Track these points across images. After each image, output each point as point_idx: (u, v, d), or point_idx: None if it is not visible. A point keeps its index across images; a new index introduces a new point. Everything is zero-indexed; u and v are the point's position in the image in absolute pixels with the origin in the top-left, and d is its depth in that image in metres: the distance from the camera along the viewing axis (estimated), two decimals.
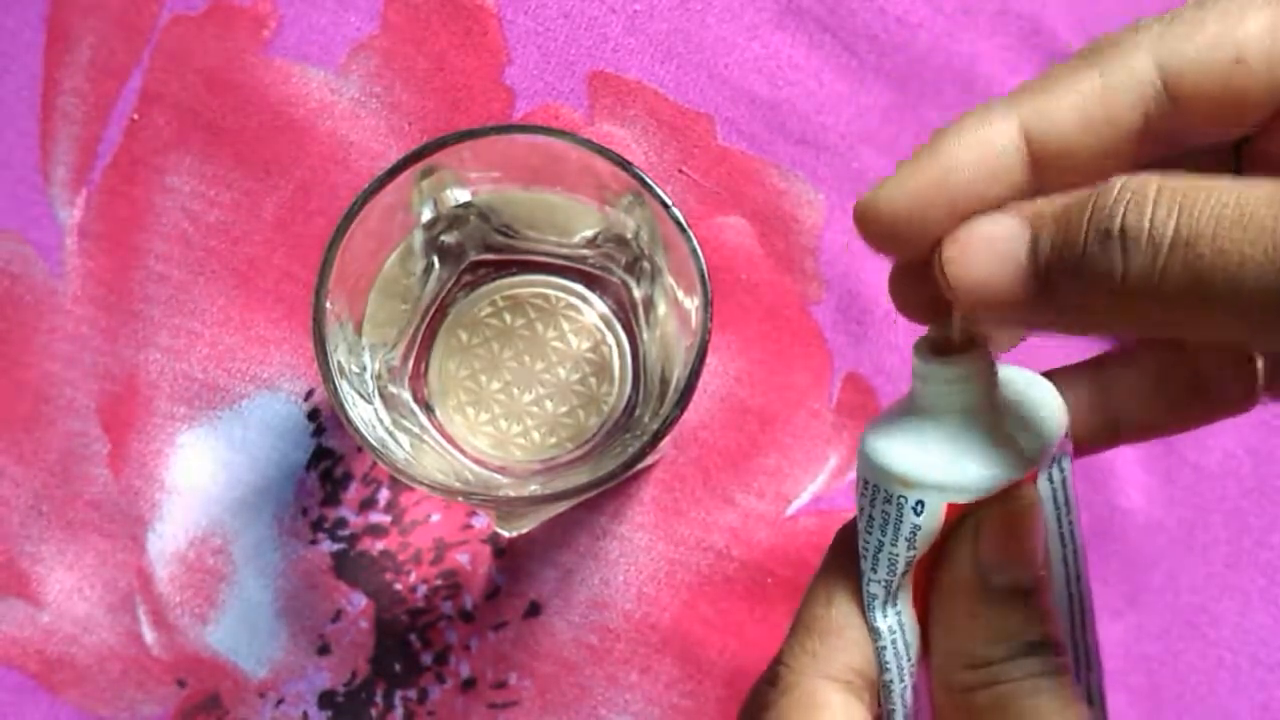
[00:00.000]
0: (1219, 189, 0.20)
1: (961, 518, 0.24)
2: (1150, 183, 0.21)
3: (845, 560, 0.26)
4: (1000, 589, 0.24)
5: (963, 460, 0.24)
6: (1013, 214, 0.23)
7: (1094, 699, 0.26)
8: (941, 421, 0.24)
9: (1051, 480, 0.25)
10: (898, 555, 0.24)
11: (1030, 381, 0.26)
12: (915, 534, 0.24)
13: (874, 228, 0.23)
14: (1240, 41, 0.22)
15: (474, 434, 0.34)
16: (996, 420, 0.24)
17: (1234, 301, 0.20)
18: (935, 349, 0.24)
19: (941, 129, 0.23)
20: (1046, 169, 0.23)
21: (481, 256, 0.34)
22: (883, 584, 0.25)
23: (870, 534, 0.25)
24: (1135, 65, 0.23)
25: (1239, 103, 0.23)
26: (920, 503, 0.24)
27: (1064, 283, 0.22)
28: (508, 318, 0.34)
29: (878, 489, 0.24)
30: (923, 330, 0.25)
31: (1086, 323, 0.22)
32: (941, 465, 0.24)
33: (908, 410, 0.25)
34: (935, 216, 0.23)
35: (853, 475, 0.38)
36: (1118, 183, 0.21)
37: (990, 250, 0.22)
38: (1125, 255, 0.21)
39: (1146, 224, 0.20)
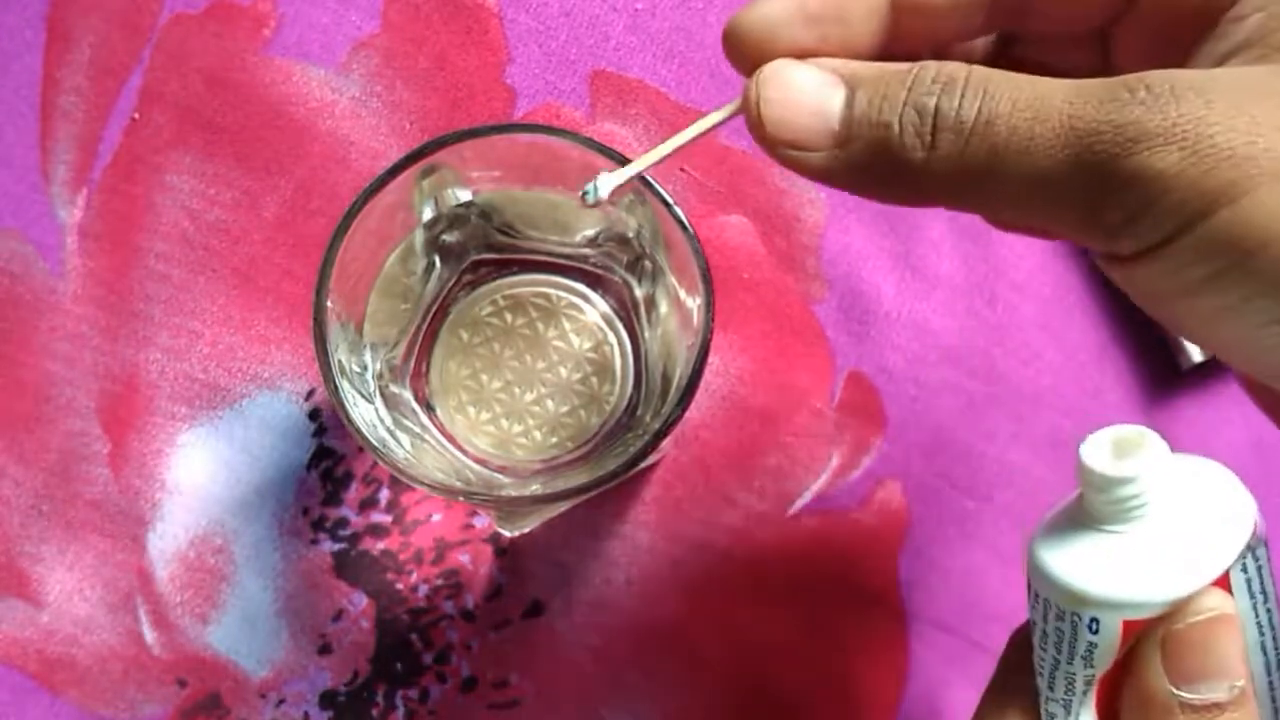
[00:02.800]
0: (1021, 78, 0.22)
1: (1147, 629, 0.23)
2: (961, 69, 0.22)
3: (1019, 674, 0.25)
4: (1196, 705, 0.23)
5: (1139, 574, 0.22)
6: (830, 69, 0.24)
7: None
8: (1116, 532, 0.23)
9: (1246, 570, 0.24)
10: (1074, 673, 0.23)
11: (1213, 476, 0.24)
12: (1092, 652, 0.23)
13: (739, 42, 0.24)
14: None
15: (475, 433, 0.34)
16: (1175, 527, 0.23)
17: (1025, 176, 0.21)
18: (1105, 454, 0.23)
19: None
20: (906, 10, 0.25)
21: (482, 256, 0.34)
22: (1061, 703, 0.23)
23: (1045, 650, 0.23)
24: None
25: None
26: (1095, 620, 0.22)
27: (870, 150, 0.23)
28: (509, 317, 0.34)
29: (1049, 604, 0.23)
30: (1088, 431, 0.24)
31: (882, 189, 0.24)
32: (1116, 581, 0.22)
33: (1078, 519, 0.23)
34: (795, 37, 0.24)
35: (855, 475, 0.38)
36: (933, 66, 0.23)
37: (806, 97, 0.23)
38: (935, 134, 0.22)
39: (955, 106, 0.22)
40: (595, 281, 0.34)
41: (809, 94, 0.24)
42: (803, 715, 0.37)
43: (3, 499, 0.38)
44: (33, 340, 0.38)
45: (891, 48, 0.25)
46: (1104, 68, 0.27)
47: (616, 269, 0.34)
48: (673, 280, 0.32)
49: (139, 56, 0.39)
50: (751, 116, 0.24)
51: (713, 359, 0.38)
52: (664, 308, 0.33)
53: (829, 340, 0.39)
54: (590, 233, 0.34)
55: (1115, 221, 0.22)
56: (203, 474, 0.38)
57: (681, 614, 0.38)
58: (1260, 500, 0.39)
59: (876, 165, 0.23)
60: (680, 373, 0.31)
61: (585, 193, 0.27)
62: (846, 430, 0.38)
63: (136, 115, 0.39)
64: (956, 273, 0.39)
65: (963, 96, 0.22)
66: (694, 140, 0.26)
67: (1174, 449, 0.38)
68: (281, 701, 0.37)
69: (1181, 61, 0.24)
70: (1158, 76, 0.21)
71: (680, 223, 0.30)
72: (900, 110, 0.23)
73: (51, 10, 0.39)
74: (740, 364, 0.39)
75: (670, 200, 0.30)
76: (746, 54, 0.25)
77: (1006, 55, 0.28)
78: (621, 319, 0.34)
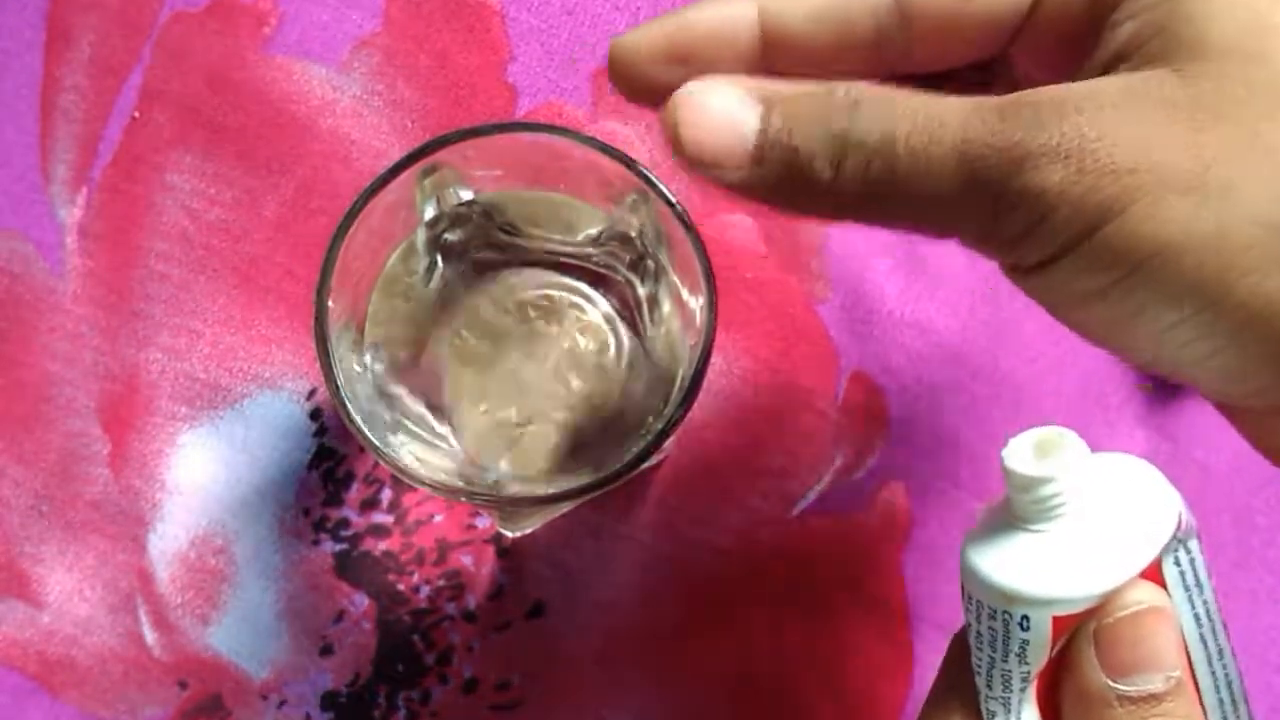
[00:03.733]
0: (922, 100, 0.23)
1: (1080, 624, 0.23)
2: (866, 91, 0.23)
3: (961, 674, 0.25)
4: (1133, 696, 0.23)
5: (1064, 571, 0.23)
6: (743, 85, 0.24)
7: None
8: (1040, 531, 0.23)
9: (1179, 563, 0.24)
10: (1010, 671, 0.23)
11: (1135, 472, 0.25)
12: (1025, 649, 0.23)
13: (616, 69, 0.26)
14: None
15: (476, 433, 0.33)
16: (1097, 523, 0.23)
17: (924, 195, 0.22)
18: (1026, 454, 0.23)
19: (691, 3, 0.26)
20: (777, 54, 0.25)
21: (484, 255, 0.34)
22: (1000, 701, 0.24)
23: (981, 650, 0.24)
24: None
25: (970, 20, 0.25)
26: (1026, 617, 0.23)
27: (782, 169, 0.24)
28: (511, 316, 0.34)
29: (981, 604, 0.23)
30: (1012, 434, 0.24)
31: (792, 204, 0.25)
32: (1042, 578, 0.23)
33: (1005, 520, 0.24)
34: (670, 69, 0.25)
35: (859, 475, 0.38)
36: (842, 88, 0.24)
37: (722, 118, 0.24)
38: (844, 156, 0.23)
39: (860, 129, 0.23)
40: (598, 281, 0.34)
41: (725, 114, 0.24)
42: (806, 717, 0.37)
43: (2, 499, 0.38)
44: (33, 340, 0.38)
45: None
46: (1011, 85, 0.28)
47: (619, 268, 0.34)
48: (675, 280, 0.32)
49: (139, 55, 0.39)
50: (669, 136, 0.25)
51: (715, 359, 0.38)
52: (667, 307, 0.33)
53: (832, 340, 0.39)
54: (593, 232, 0.34)
55: (1010, 237, 0.22)
56: (203, 474, 0.38)
57: (684, 615, 0.37)
58: (1266, 500, 0.39)
59: (788, 183, 0.24)
60: (683, 372, 0.31)
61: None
62: (850, 431, 0.38)
63: (137, 114, 0.39)
64: (960, 273, 0.39)
65: (867, 117, 0.23)
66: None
67: (1177, 449, 0.38)
68: (283, 703, 0.37)
69: (1076, 71, 0.24)
70: (1045, 94, 0.22)
71: (683, 222, 0.30)
72: (809, 131, 0.24)
73: (52, 8, 0.39)
74: (743, 364, 0.38)
75: (673, 199, 0.30)
76: (624, 84, 0.26)
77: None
78: (624, 318, 0.34)
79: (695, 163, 0.24)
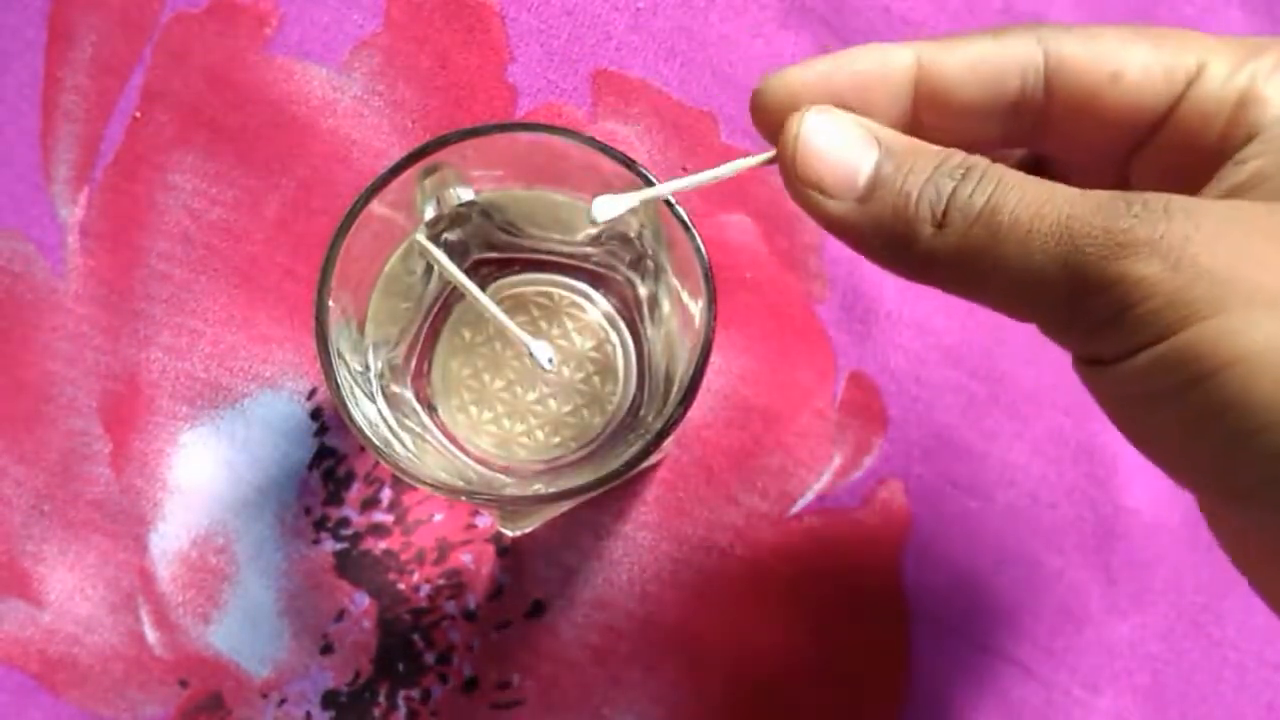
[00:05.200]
0: (1034, 179, 0.24)
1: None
2: (982, 161, 0.24)
3: None
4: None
5: None
6: (867, 127, 0.25)
7: None
8: None
9: None
10: None
11: None
12: None
13: (766, 104, 0.26)
14: (1123, 62, 0.25)
15: (477, 433, 0.33)
16: None
17: (1018, 267, 0.23)
18: None
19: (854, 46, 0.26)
20: (925, 105, 0.26)
21: (484, 255, 0.34)
22: None
23: None
24: (1029, 44, 0.25)
25: (1104, 112, 0.25)
26: None
27: (886, 214, 0.24)
28: (511, 316, 0.34)
29: None
30: None
31: (887, 255, 0.25)
32: None
33: None
34: (822, 103, 0.26)
35: (857, 475, 0.38)
36: (960, 154, 0.24)
37: (841, 147, 0.25)
38: (945, 214, 0.24)
39: (969, 192, 0.23)
40: (597, 280, 0.34)
41: (844, 145, 0.25)
42: (805, 715, 0.37)
43: (4, 499, 0.38)
44: (34, 340, 0.38)
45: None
46: None
47: (619, 268, 0.34)
48: (674, 280, 0.32)
49: (140, 55, 0.39)
50: (787, 154, 0.25)
51: (714, 359, 0.38)
52: (666, 307, 0.33)
53: (831, 340, 0.39)
54: (593, 231, 0.34)
55: (1094, 322, 0.23)
56: (204, 474, 0.38)
57: (684, 614, 0.38)
58: None
59: (889, 230, 0.24)
60: (682, 372, 0.31)
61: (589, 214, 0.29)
62: (848, 430, 0.38)
63: (138, 114, 0.39)
64: None
65: (978, 183, 0.24)
66: (718, 180, 0.27)
67: None
68: (283, 701, 0.37)
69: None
70: (1155, 195, 0.22)
71: (682, 222, 0.30)
72: (922, 185, 0.24)
73: (53, 9, 0.39)
74: (742, 364, 0.38)
75: (672, 199, 0.30)
76: (768, 118, 0.26)
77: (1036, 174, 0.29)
78: (624, 318, 0.34)
79: (806, 185, 0.25)
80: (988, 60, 0.26)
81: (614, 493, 0.38)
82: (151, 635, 0.37)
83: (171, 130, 0.39)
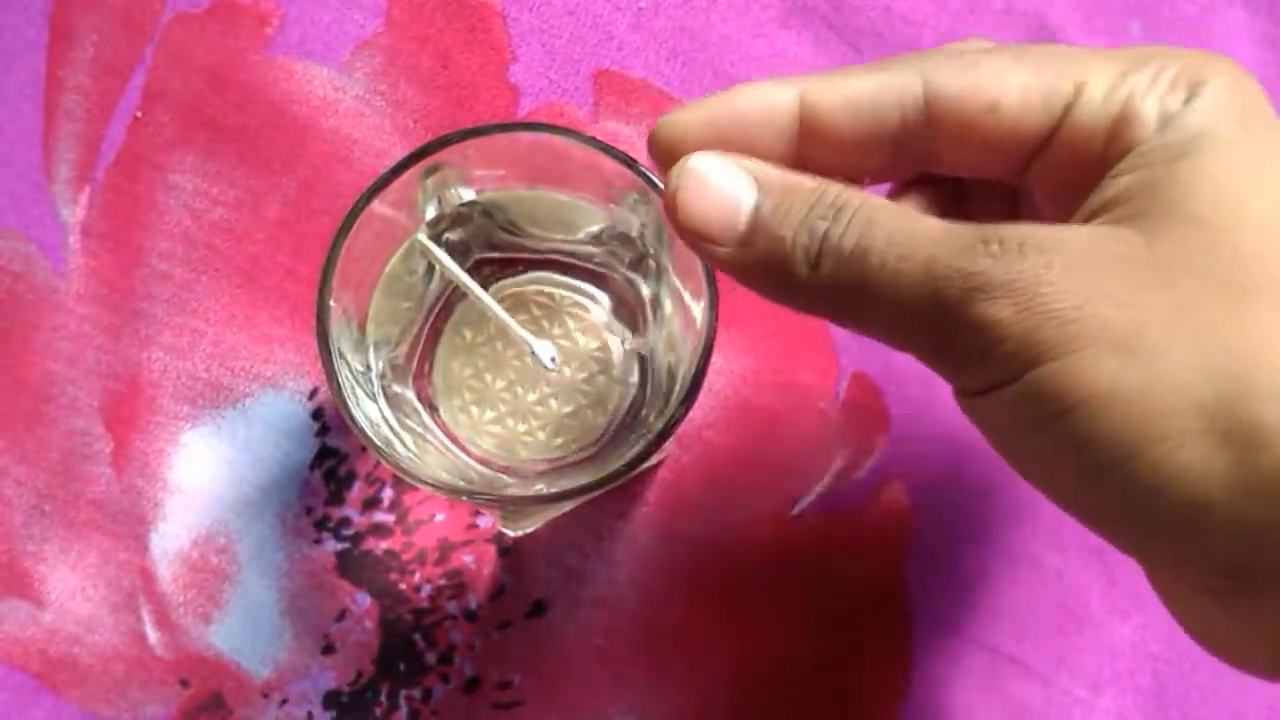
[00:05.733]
0: (903, 214, 0.25)
1: None
2: (855, 197, 0.25)
3: None
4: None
5: None
6: (745, 169, 0.26)
7: None
8: None
9: None
10: None
11: None
12: None
13: (658, 146, 0.27)
14: (1001, 91, 0.25)
15: (478, 433, 0.33)
16: None
17: (890, 306, 0.24)
18: None
19: (739, 84, 0.27)
20: (811, 140, 0.27)
21: (486, 254, 0.34)
22: None
23: None
24: (908, 77, 0.26)
25: (985, 140, 0.26)
26: None
27: (766, 256, 0.25)
28: (513, 316, 0.34)
29: None
30: None
31: (769, 291, 0.26)
32: None
33: None
34: (709, 144, 0.26)
35: (859, 475, 0.38)
36: (834, 190, 0.25)
37: (720, 195, 0.26)
38: (819, 257, 0.25)
39: (840, 233, 0.24)
40: (599, 280, 0.34)
41: (722, 192, 0.26)
42: (806, 715, 0.37)
43: (5, 498, 0.38)
44: (35, 339, 0.38)
45: (801, 169, 0.26)
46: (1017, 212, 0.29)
47: (620, 268, 0.34)
48: (676, 280, 0.32)
49: (141, 55, 0.39)
50: (668, 205, 0.26)
51: (716, 359, 0.38)
52: (668, 307, 0.33)
53: (833, 340, 0.39)
54: (594, 231, 0.34)
55: (958, 359, 0.24)
56: (205, 473, 0.38)
57: (685, 614, 0.37)
58: None
59: (770, 271, 0.25)
60: (684, 372, 0.31)
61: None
62: (850, 430, 0.38)
63: (139, 114, 0.39)
64: None
65: (848, 225, 0.24)
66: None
67: None
68: (284, 701, 0.37)
69: (1073, 210, 0.26)
70: (1011, 232, 0.23)
71: None
72: (795, 226, 0.25)
73: (54, 9, 0.39)
74: (744, 364, 0.38)
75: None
76: (659, 157, 0.27)
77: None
78: (625, 318, 0.34)
79: (689, 234, 0.26)
80: (866, 95, 0.26)
81: (615, 493, 0.37)
82: (153, 635, 0.37)
83: (173, 130, 0.39)
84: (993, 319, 0.23)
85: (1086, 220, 0.25)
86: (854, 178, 0.27)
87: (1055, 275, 0.22)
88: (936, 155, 0.27)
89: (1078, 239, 0.23)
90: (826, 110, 0.26)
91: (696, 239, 0.26)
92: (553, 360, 0.33)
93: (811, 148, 0.27)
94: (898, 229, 0.24)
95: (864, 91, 0.26)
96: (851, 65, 0.27)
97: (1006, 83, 0.25)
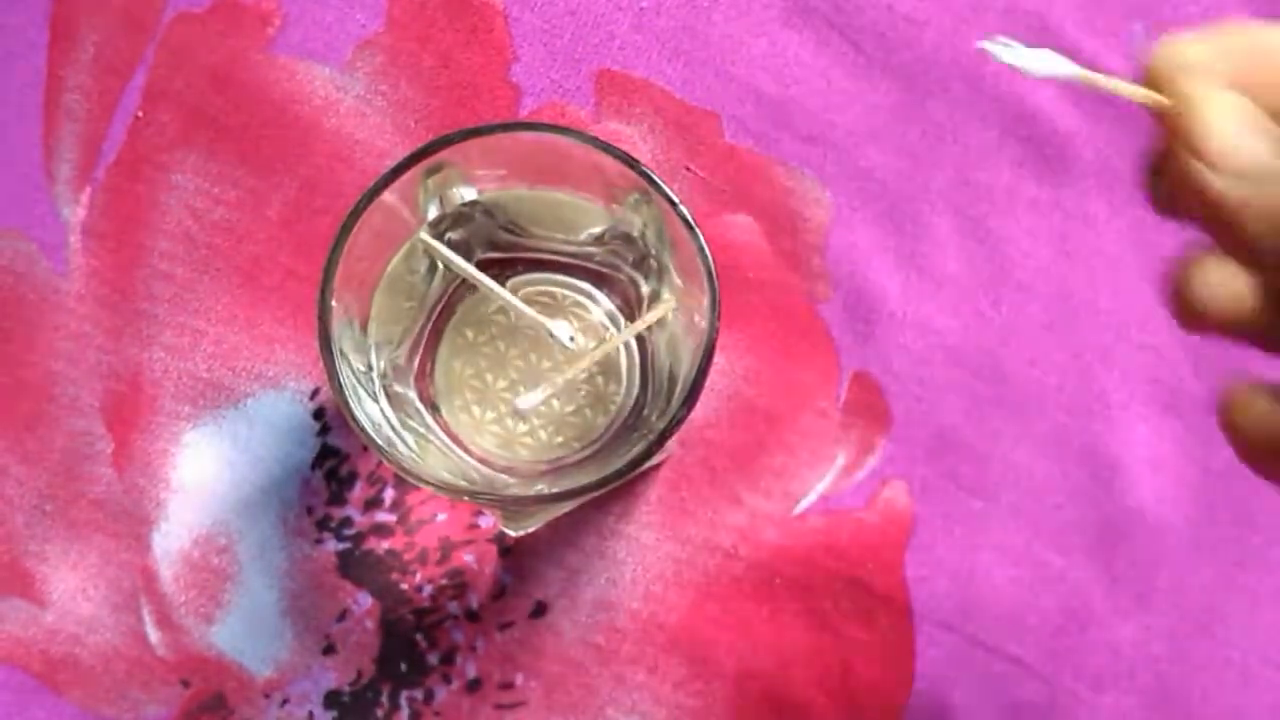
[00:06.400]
0: None
1: None
2: None
3: None
4: None
5: None
6: (1268, 123, 0.22)
7: None
8: None
9: None
10: None
11: None
12: None
13: (1155, 72, 0.23)
14: None
15: (480, 433, 0.33)
16: None
17: None
18: None
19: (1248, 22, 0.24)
20: None
21: (487, 254, 0.34)
22: None
23: None
24: None
25: None
26: None
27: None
28: (514, 316, 0.34)
29: None
30: None
31: (1272, 254, 0.22)
32: None
33: None
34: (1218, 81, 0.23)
35: (861, 475, 0.38)
36: None
37: (1241, 123, 0.22)
38: None
39: None
40: (601, 280, 0.34)
41: (1244, 123, 0.23)
42: (808, 715, 0.37)
43: (6, 498, 0.38)
44: (36, 339, 0.38)
45: None
46: None
47: (622, 268, 0.34)
48: (678, 280, 0.32)
49: (143, 55, 0.39)
50: (1183, 116, 0.23)
51: (718, 359, 0.38)
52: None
53: (834, 340, 0.39)
54: (595, 231, 0.34)
55: None
56: (207, 473, 0.38)
57: (686, 614, 0.37)
58: (1268, 501, 0.39)
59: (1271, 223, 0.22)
60: (685, 372, 0.31)
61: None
62: (852, 430, 0.38)
63: (140, 114, 0.39)
64: (962, 272, 0.39)
65: None
66: (1085, 83, 0.24)
67: (1178, 448, 0.38)
68: (285, 701, 0.37)
69: None
70: None
71: (686, 222, 0.30)
72: None
73: (55, 9, 0.39)
74: (745, 364, 0.38)
75: (675, 199, 0.30)
76: (1153, 80, 0.24)
77: None
78: (626, 317, 0.34)
79: (1196, 147, 0.23)
80: None
81: (617, 493, 0.37)
82: (154, 635, 0.37)
83: (174, 130, 0.39)
84: None
85: None
86: None
87: None
88: None
89: None
90: None
91: (1200, 157, 0.22)
92: (571, 339, 0.32)
93: None
94: None
95: None
96: None
97: None
